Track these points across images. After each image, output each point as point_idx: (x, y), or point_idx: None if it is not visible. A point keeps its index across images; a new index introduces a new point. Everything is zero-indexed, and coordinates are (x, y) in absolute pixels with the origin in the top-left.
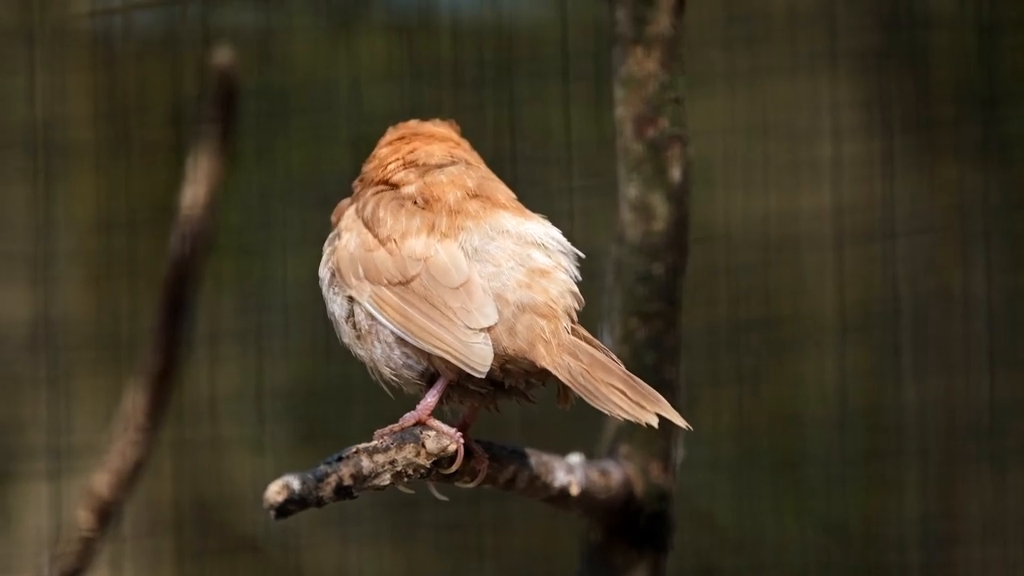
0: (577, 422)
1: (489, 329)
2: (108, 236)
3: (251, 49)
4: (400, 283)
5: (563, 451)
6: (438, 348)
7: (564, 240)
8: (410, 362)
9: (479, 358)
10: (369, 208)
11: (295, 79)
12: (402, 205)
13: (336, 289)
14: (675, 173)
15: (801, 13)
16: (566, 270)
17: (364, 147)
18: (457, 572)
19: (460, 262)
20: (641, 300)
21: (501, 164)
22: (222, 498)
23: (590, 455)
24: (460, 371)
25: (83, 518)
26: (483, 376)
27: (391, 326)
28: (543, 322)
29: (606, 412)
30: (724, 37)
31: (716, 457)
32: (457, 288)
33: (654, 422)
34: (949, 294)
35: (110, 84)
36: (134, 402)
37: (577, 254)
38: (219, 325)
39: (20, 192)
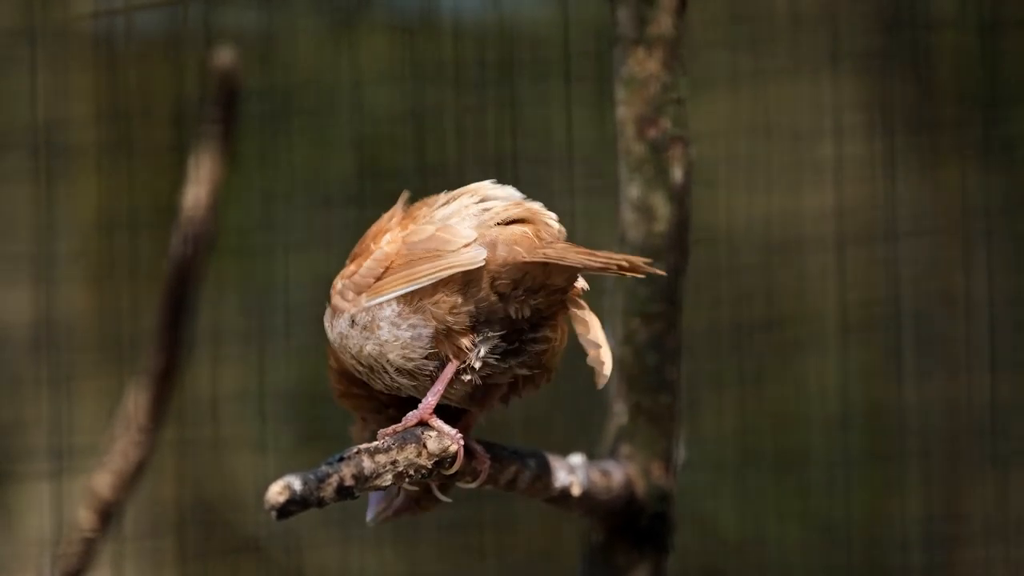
0: (578, 423)
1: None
2: (110, 237)
3: (253, 50)
4: (383, 273)
5: (565, 452)
6: (432, 272)
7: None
8: (418, 330)
9: (471, 255)
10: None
11: (297, 80)
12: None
13: (336, 320)
14: (677, 174)
15: (803, 14)
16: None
17: (366, 148)
18: (459, 572)
19: (434, 220)
20: (643, 301)
21: (503, 165)
22: (224, 498)
23: (591, 456)
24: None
25: (84, 518)
26: (482, 264)
27: (385, 298)
28: (527, 227)
29: (577, 266)
30: (726, 38)
31: (718, 458)
32: (432, 236)
33: (621, 267)
34: (951, 295)
35: (112, 85)
36: (136, 402)
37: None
38: (221, 325)
39: (22, 193)
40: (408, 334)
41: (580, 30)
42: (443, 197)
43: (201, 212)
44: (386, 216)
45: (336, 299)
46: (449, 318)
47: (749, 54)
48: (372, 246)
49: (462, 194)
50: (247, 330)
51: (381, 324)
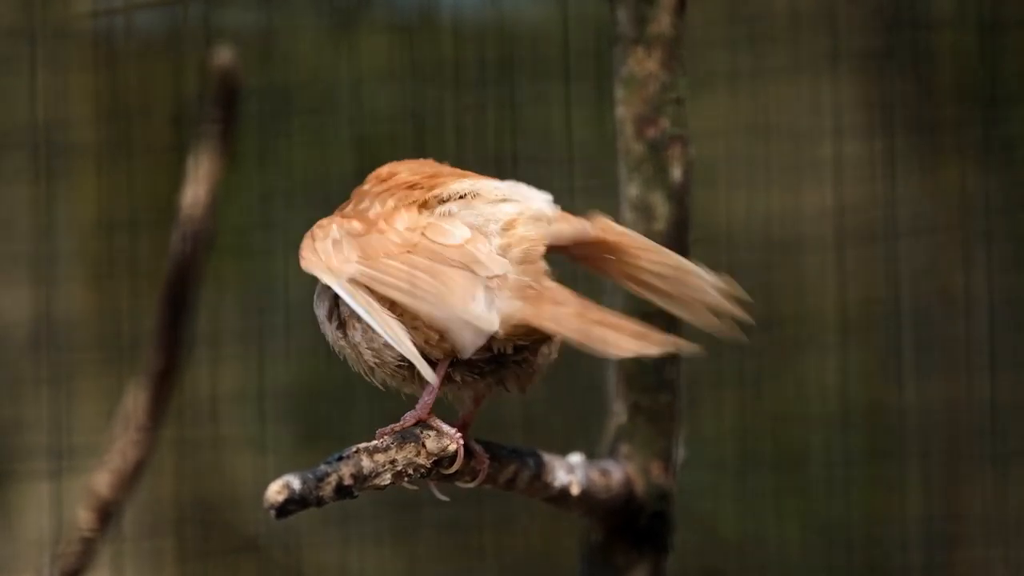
0: (578, 422)
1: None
2: (110, 236)
3: (252, 49)
4: (398, 255)
5: (564, 451)
6: (426, 306)
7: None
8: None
9: (466, 342)
10: (348, 207)
11: (297, 79)
12: (379, 195)
13: (322, 298)
14: (676, 173)
15: (803, 14)
16: (534, 211)
17: (366, 147)
18: (458, 572)
19: (457, 226)
20: (642, 300)
21: (503, 164)
22: (223, 498)
23: (591, 455)
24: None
25: (84, 518)
26: (489, 334)
27: (364, 309)
28: (533, 266)
29: (607, 354)
30: (726, 37)
31: (718, 457)
32: (461, 245)
33: (662, 350)
34: (951, 295)
35: (112, 84)
36: (135, 402)
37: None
38: (221, 325)
39: (22, 192)
40: (380, 341)
41: (579, 29)
42: (460, 183)
43: (200, 211)
44: (404, 177)
45: (329, 250)
46: (425, 346)
47: (748, 53)
48: (384, 224)
49: (482, 193)
50: (246, 330)
51: (356, 326)
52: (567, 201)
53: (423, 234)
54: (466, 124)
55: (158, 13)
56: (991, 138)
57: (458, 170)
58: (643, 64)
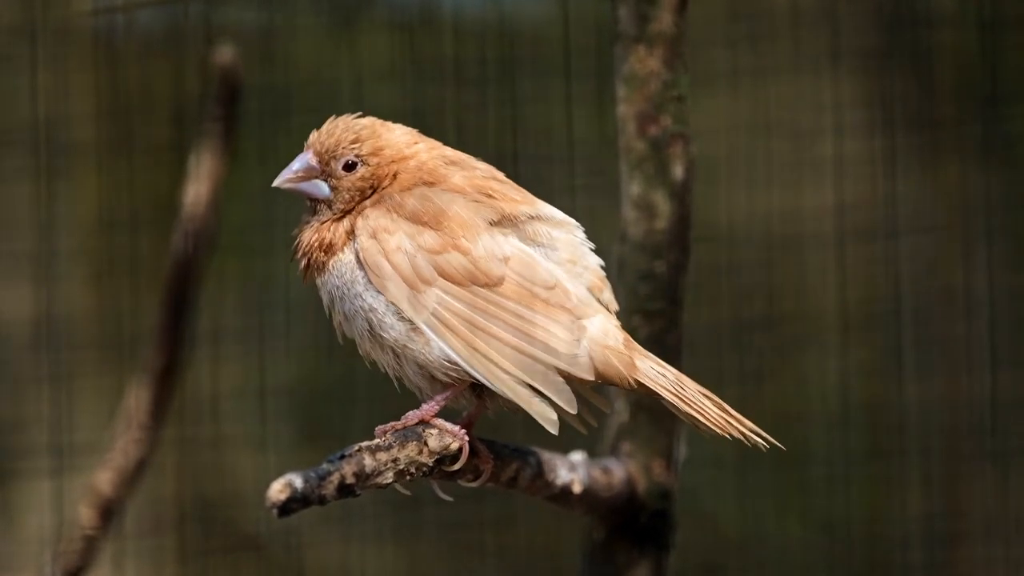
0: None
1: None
2: (111, 234)
3: (253, 47)
4: (486, 285)
5: (565, 450)
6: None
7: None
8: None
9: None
10: (411, 202)
11: (297, 77)
12: (452, 197)
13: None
14: (677, 171)
15: (804, 12)
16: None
17: None
18: (460, 570)
19: (543, 260)
20: (643, 298)
21: (503, 162)
22: (225, 496)
23: (592, 453)
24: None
25: (85, 516)
26: (592, 379)
27: (453, 354)
28: (616, 330)
29: (696, 426)
30: (727, 36)
31: (719, 455)
32: (553, 287)
33: (736, 434)
34: (951, 293)
35: (113, 83)
36: (136, 400)
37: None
38: (222, 323)
39: (23, 191)
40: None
41: (581, 27)
42: (538, 207)
43: (202, 210)
44: (484, 191)
45: (405, 266)
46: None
47: (750, 51)
48: (464, 241)
49: (558, 223)
50: (247, 328)
51: (397, 325)
52: (568, 199)
53: (508, 263)
54: (467, 122)
55: (159, 12)
56: (991, 136)
57: (520, 190)
58: (645, 62)
